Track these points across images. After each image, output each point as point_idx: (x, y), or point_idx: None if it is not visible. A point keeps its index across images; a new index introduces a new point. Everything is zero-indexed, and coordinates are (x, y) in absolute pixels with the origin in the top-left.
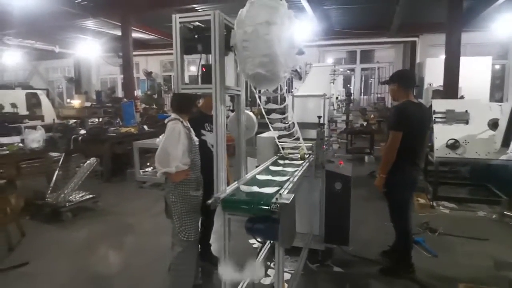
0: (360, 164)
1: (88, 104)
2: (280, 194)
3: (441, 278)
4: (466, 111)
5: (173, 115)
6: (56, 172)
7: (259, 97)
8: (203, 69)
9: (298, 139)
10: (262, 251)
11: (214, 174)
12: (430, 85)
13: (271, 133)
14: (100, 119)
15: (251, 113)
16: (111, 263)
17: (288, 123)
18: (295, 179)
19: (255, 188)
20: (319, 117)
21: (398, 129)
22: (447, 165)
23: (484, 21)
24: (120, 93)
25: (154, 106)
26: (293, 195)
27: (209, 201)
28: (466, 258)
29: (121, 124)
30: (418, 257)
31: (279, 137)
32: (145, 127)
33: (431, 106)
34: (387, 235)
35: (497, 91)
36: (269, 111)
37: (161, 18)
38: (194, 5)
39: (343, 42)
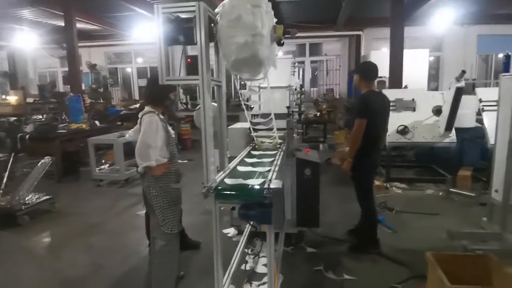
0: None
1: (30, 100)
2: (270, 180)
3: (404, 250)
4: (413, 99)
5: (147, 108)
6: (7, 174)
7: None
8: (188, 60)
9: (271, 129)
10: (242, 239)
11: (204, 166)
12: None
13: (241, 124)
14: (45, 116)
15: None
16: (81, 266)
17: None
18: (277, 168)
19: (240, 180)
20: (288, 107)
21: (362, 117)
22: (396, 149)
23: (422, 16)
24: (61, 87)
25: (101, 101)
26: (282, 181)
27: (203, 191)
28: (422, 232)
29: (67, 120)
30: (380, 234)
31: (254, 125)
32: (97, 122)
33: None
34: (350, 215)
35: (432, 81)
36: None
37: (105, 7)
38: None
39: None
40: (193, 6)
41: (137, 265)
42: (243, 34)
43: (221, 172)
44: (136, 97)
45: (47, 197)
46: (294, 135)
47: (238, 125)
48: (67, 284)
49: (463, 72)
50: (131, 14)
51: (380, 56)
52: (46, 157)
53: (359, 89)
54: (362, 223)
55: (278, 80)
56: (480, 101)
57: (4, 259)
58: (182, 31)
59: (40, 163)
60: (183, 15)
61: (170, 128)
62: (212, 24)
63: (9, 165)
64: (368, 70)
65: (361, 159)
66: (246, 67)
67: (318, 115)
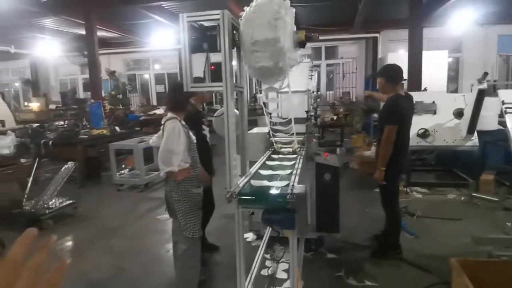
0: None
1: (52, 106)
2: (293, 185)
3: (426, 256)
4: (433, 102)
5: (169, 114)
6: (31, 179)
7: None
8: (212, 67)
9: (292, 133)
10: (262, 244)
11: (227, 170)
12: None
13: (260, 129)
14: (66, 122)
15: (237, 111)
16: (104, 269)
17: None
18: (299, 171)
19: (265, 182)
20: (307, 111)
21: (393, 123)
22: (416, 153)
23: (440, 17)
24: (81, 94)
25: (121, 107)
26: (305, 186)
27: (226, 196)
28: (444, 237)
29: (88, 126)
30: (402, 239)
31: (274, 131)
32: (117, 128)
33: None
34: (371, 220)
35: (451, 83)
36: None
37: (124, 15)
38: (161, 2)
39: None
40: (217, 14)
41: (159, 269)
42: (265, 46)
43: (244, 177)
44: (154, 103)
45: (70, 201)
46: (313, 139)
47: (256, 129)
48: (92, 286)
49: (485, 73)
50: (149, 22)
51: (397, 58)
52: (69, 162)
53: (384, 93)
54: (388, 229)
55: (296, 84)
56: (503, 103)
57: None
58: (206, 39)
59: (63, 168)
60: (206, 23)
61: (191, 134)
62: (235, 31)
63: (33, 170)
64: (393, 72)
65: (389, 165)
66: (268, 75)
67: (335, 118)
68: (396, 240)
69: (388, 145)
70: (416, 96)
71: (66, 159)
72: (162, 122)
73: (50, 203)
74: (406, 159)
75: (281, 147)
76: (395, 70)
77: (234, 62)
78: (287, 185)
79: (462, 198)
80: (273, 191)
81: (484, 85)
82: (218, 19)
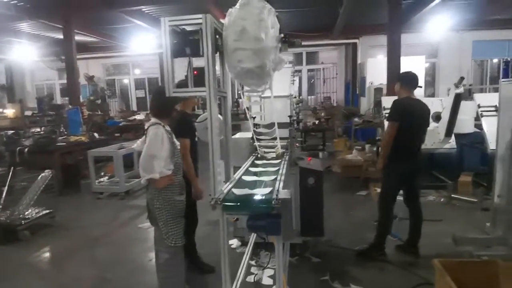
0: None
1: (28, 113)
2: (278, 191)
3: (410, 257)
4: None
5: (153, 120)
6: (6, 188)
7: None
8: (195, 72)
9: (275, 138)
10: (247, 250)
11: (210, 176)
12: (371, 83)
13: (243, 134)
14: (43, 129)
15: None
16: (87, 279)
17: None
18: (283, 177)
19: (247, 190)
20: (290, 116)
21: (394, 120)
22: None
23: (418, 22)
24: (59, 99)
25: (99, 112)
26: (290, 191)
27: (211, 203)
28: (427, 238)
29: (66, 133)
30: (386, 242)
31: (258, 135)
32: (96, 134)
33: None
34: (355, 223)
35: (428, 87)
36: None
37: (103, 20)
38: (140, 7)
39: None
40: (200, 18)
41: (143, 278)
42: (248, 46)
43: (228, 183)
44: (134, 108)
45: (47, 211)
46: (297, 144)
47: (239, 134)
48: None
49: (462, 78)
50: (129, 26)
51: (376, 64)
52: (45, 171)
53: (399, 97)
54: (411, 237)
55: (279, 89)
56: (479, 106)
57: (8, 275)
58: (188, 43)
59: (39, 176)
60: (188, 28)
61: (175, 139)
62: (217, 36)
63: (8, 179)
64: (409, 79)
65: (389, 162)
66: (252, 77)
67: (316, 123)
68: (382, 240)
69: (387, 140)
70: None
71: (42, 167)
72: (145, 128)
73: (26, 213)
74: (409, 162)
75: (265, 152)
76: (412, 77)
77: (217, 67)
78: (271, 191)
79: (442, 200)
80: (258, 197)
81: (460, 89)
82: (200, 23)
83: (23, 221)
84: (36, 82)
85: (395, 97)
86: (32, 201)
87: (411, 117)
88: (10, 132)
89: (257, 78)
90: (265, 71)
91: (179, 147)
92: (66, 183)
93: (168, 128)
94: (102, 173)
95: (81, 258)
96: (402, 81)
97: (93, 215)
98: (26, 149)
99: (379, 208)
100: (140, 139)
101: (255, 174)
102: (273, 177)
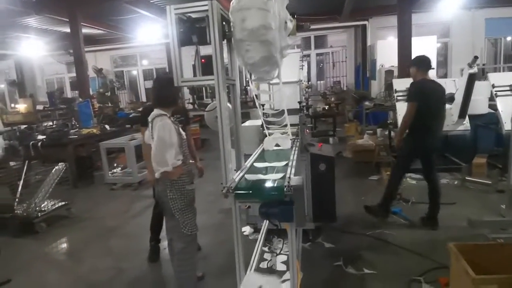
0: None
1: (40, 107)
2: (290, 177)
3: (424, 241)
4: None
5: (156, 111)
6: (22, 182)
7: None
8: (203, 60)
9: (285, 125)
10: (259, 237)
11: (222, 165)
12: (382, 66)
13: (253, 122)
14: (55, 122)
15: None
16: (103, 270)
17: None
18: (294, 163)
19: (260, 176)
20: (300, 102)
21: (412, 100)
22: None
23: (428, 2)
24: (69, 93)
25: (109, 104)
26: (302, 177)
27: (222, 191)
28: (440, 222)
29: (78, 125)
30: (398, 226)
31: (268, 123)
32: (107, 126)
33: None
34: None
35: (441, 68)
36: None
37: (109, 11)
38: None
39: None
40: (206, 5)
41: (158, 267)
42: (254, 38)
43: (239, 171)
44: (143, 99)
45: (63, 203)
46: (307, 130)
47: (249, 122)
48: None
49: (476, 57)
50: (135, 17)
51: (386, 45)
52: (59, 163)
53: (415, 80)
54: (430, 210)
55: (287, 75)
56: (493, 86)
57: (26, 267)
58: (195, 31)
59: (54, 169)
60: (194, 15)
61: (181, 130)
62: (224, 23)
63: (23, 173)
64: (423, 62)
65: (405, 139)
66: (260, 67)
67: (326, 108)
68: (388, 203)
69: (406, 120)
70: (407, 83)
71: (56, 160)
72: (149, 120)
73: (43, 205)
74: (427, 139)
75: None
76: (424, 60)
77: (225, 55)
78: (283, 177)
79: (456, 182)
80: (270, 184)
81: (474, 69)
82: (206, 10)
83: (39, 214)
84: (46, 76)
85: (407, 79)
86: (47, 193)
87: (427, 97)
88: (23, 126)
89: (265, 67)
90: (273, 60)
91: (185, 137)
92: (80, 175)
93: (172, 118)
94: (115, 164)
95: (97, 248)
96: (416, 64)
97: (107, 206)
98: (40, 143)
99: (390, 173)
100: (146, 131)
101: (267, 160)
102: (284, 163)
